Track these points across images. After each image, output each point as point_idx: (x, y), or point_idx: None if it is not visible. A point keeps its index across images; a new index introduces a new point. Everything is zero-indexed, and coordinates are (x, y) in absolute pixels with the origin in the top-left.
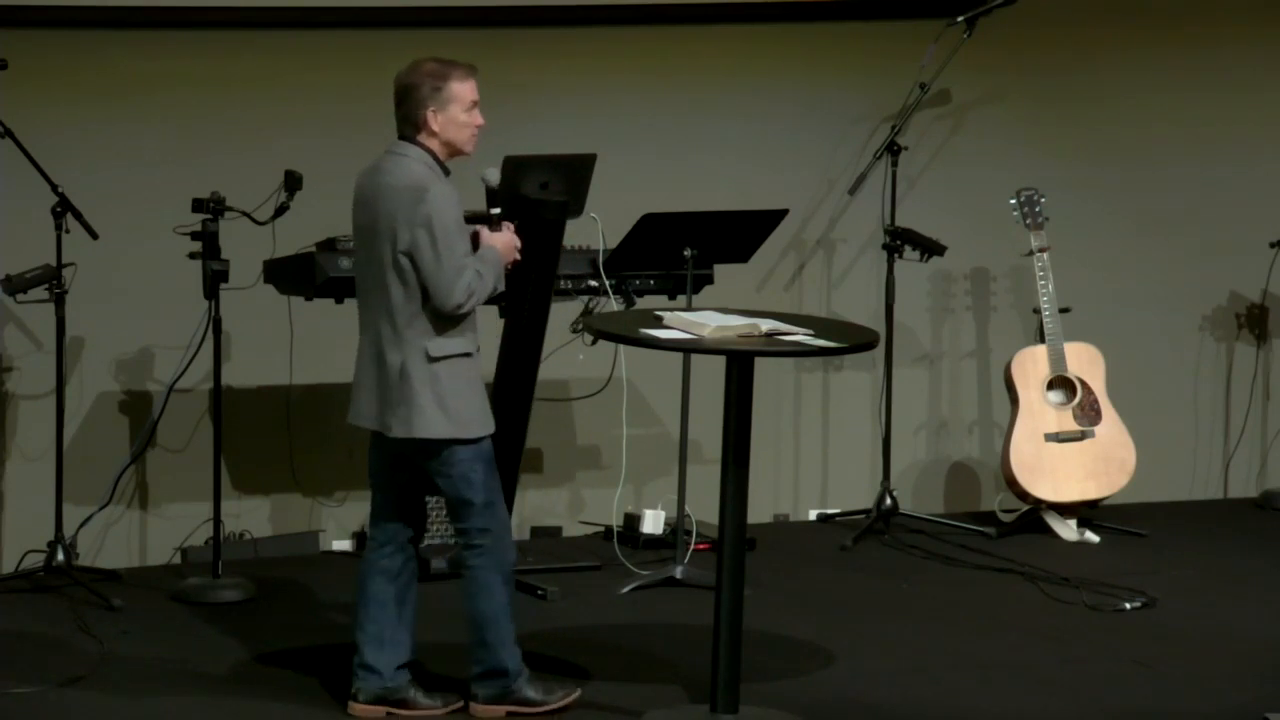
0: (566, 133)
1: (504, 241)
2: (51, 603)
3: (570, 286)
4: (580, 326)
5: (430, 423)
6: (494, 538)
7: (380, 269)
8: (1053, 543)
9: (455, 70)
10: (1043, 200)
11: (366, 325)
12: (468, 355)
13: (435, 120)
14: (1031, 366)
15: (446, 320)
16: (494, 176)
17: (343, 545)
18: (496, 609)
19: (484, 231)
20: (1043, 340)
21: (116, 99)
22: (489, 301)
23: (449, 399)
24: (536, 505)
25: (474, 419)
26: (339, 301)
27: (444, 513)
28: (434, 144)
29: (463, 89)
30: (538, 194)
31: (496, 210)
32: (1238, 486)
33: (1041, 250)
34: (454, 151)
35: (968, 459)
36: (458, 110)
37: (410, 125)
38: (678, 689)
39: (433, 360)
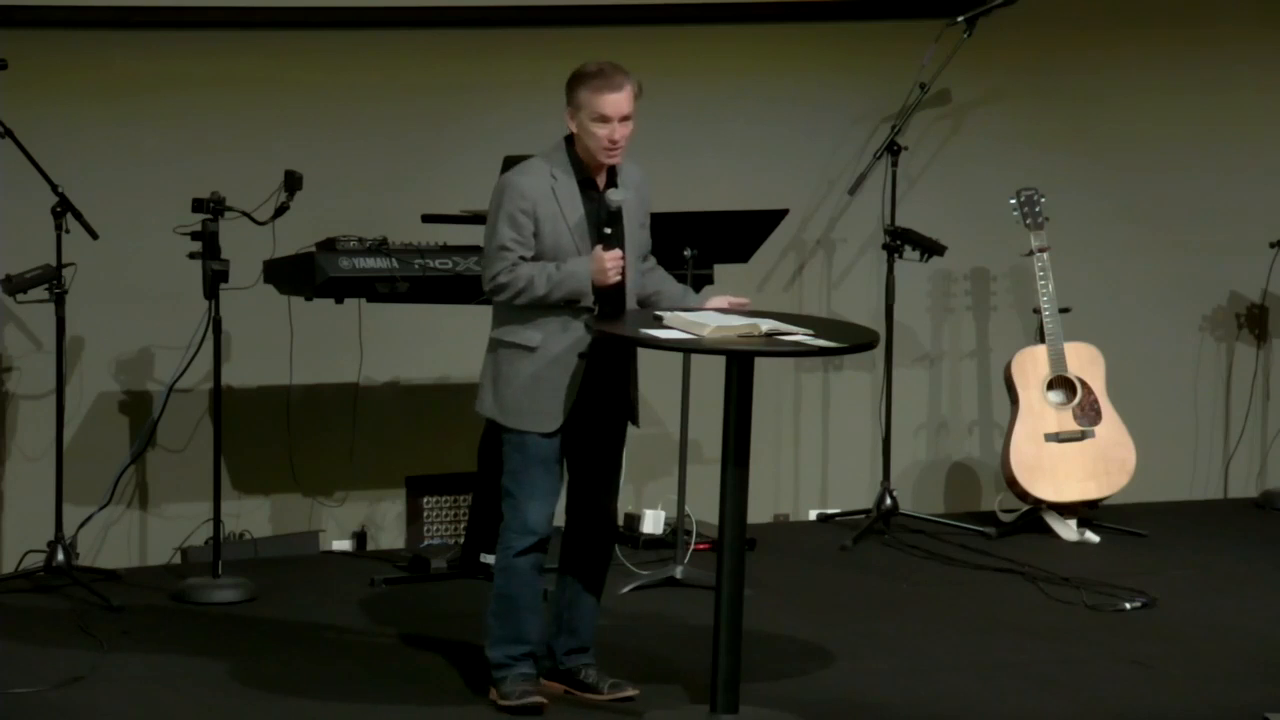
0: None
1: (595, 257)
2: (51, 603)
3: None
4: None
5: (484, 401)
6: (506, 529)
7: None
8: (1053, 543)
9: (589, 80)
10: (1043, 200)
11: None
12: (528, 349)
13: (572, 123)
14: (1031, 366)
15: (516, 309)
16: (617, 197)
17: (342, 545)
18: (501, 596)
19: (598, 248)
20: (1043, 340)
21: (116, 99)
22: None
23: (500, 384)
24: None
25: (520, 411)
26: (339, 301)
27: (442, 513)
28: (580, 146)
29: (591, 100)
30: None
31: (608, 230)
32: (1238, 486)
33: (1041, 250)
34: (592, 158)
35: (968, 459)
36: (585, 119)
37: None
38: (678, 689)
39: (495, 344)
